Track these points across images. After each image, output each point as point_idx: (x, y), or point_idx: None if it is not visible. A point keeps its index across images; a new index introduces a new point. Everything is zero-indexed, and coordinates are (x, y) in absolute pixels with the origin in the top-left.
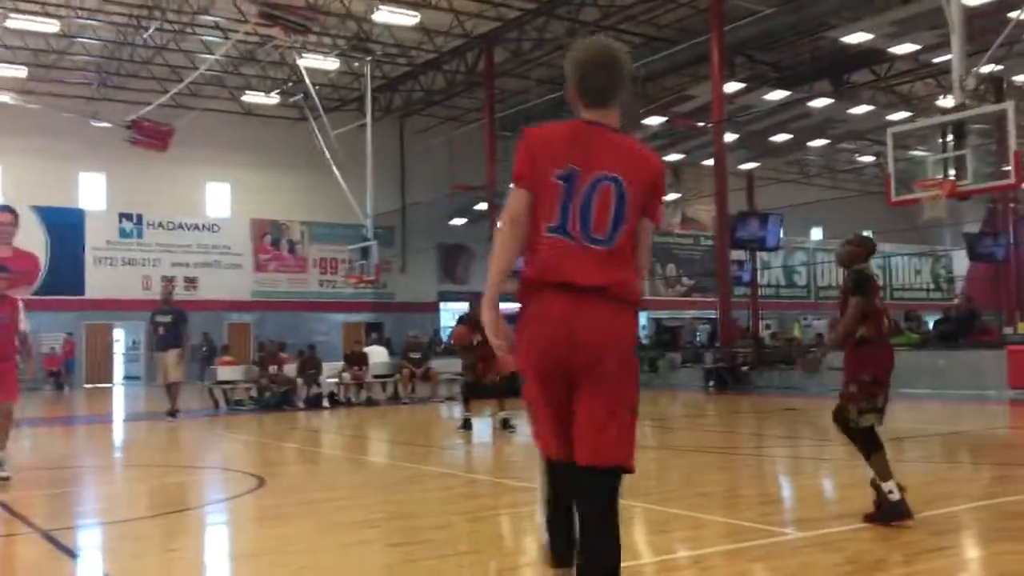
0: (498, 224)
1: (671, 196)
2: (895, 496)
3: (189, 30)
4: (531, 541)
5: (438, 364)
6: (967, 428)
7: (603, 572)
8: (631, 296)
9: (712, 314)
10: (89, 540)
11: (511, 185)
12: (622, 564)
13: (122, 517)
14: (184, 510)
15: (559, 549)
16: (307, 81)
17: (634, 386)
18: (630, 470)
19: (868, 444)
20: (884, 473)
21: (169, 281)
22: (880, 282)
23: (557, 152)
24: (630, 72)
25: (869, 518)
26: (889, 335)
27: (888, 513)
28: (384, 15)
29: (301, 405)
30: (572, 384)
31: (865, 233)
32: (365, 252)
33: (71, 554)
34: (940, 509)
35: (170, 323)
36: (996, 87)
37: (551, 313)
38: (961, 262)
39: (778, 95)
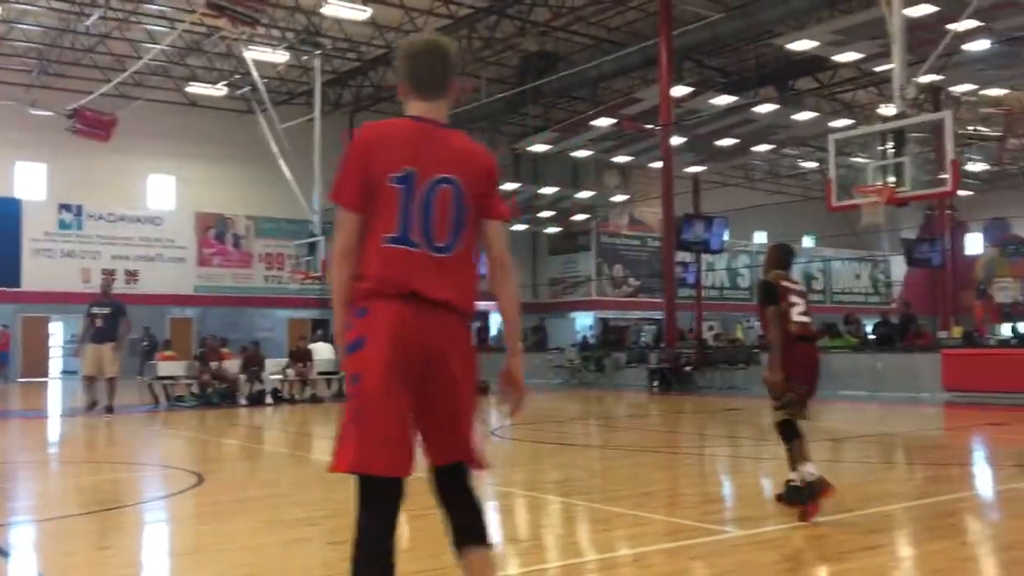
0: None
1: (619, 198)
2: (796, 483)
3: (134, 19)
4: None
5: None
6: (902, 429)
7: (485, 534)
8: (470, 310)
9: (658, 315)
10: (21, 538)
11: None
12: (566, 562)
13: (55, 514)
14: (119, 507)
15: None
16: (254, 74)
17: (475, 391)
18: (480, 467)
19: (784, 436)
20: (796, 460)
21: (109, 274)
22: (801, 286)
23: (394, 153)
24: (459, 65)
25: (779, 498)
26: (806, 336)
27: (790, 496)
28: (334, 9)
29: (244, 402)
30: (417, 392)
31: (809, 239)
32: (312, 248)
33: (2, 553)
34: (875, 508)
35: (108, 315)
36: (935, 97)
37: (400, 320)
38: (899, 267)
39: (724, 100)
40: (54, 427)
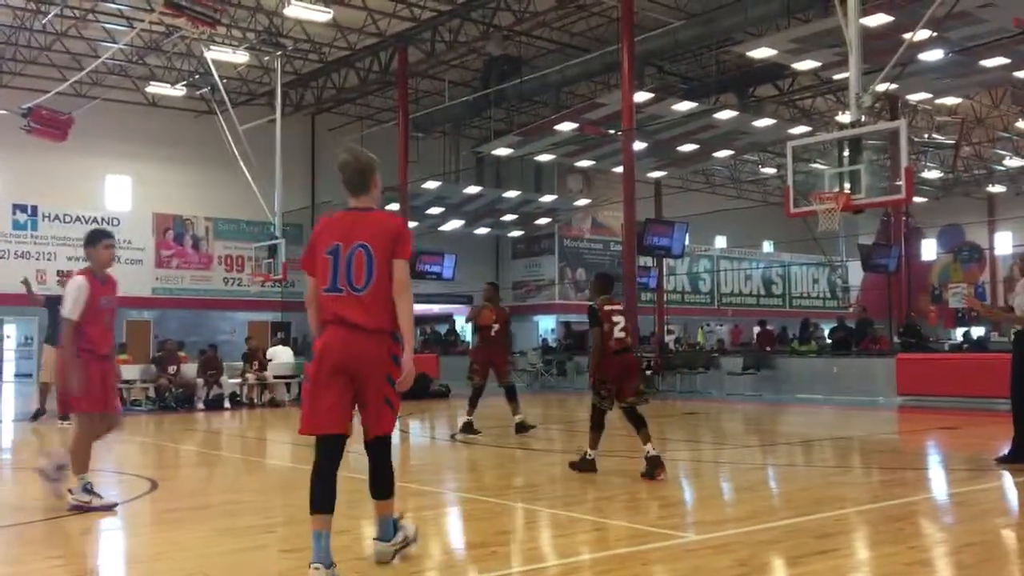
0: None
1: (582, 202)
2: (591, 456)
3: (91, 17)
4: (433, 545)
5: None
6: (857, 433)
7: (390, 483)
8: (383, 327)
9: None
10: None
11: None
12: (526, 567)
13: (3, 523)
14: (70, 515)
15: (322, 497)
16: (214, 74)
17: (388, 384)
18: (390, 437)
19: (592, 422)
20: (593, 443)
21: (66, 275)
22: (621, 306)
23: (326, 237)
24: (375, 170)
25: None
26: (623, 349)
27: (580, 465)
28: (296, 10)
29: (201, 406)
30: (354, 385)
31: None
32: (272, 250)
33: None
34: (829, 512)
35: None
36: (891, 105)
37: (335, 338)
38: (856, 272)
39: (685, 106)
40: (6, 432)
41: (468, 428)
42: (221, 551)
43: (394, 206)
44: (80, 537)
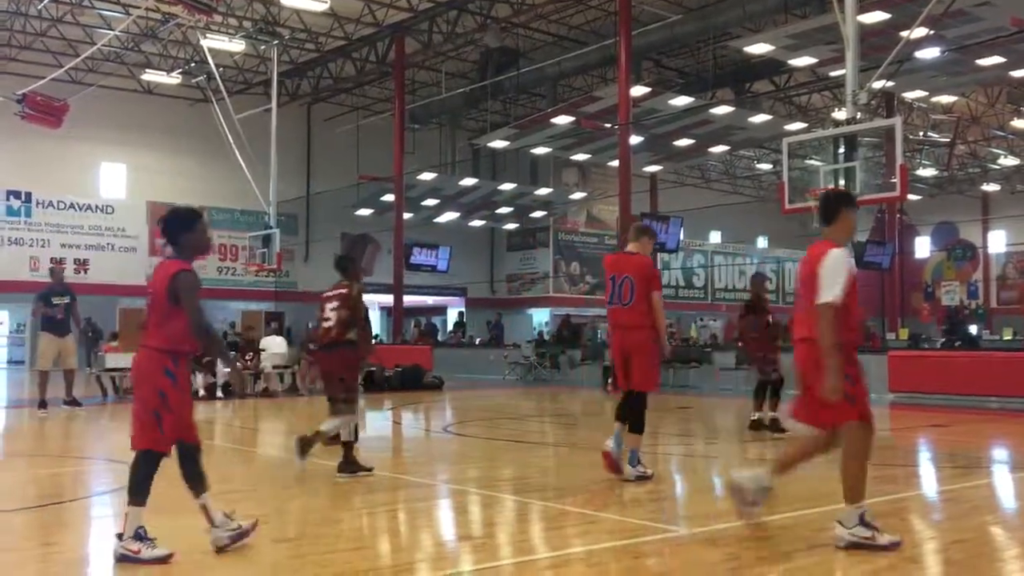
0: None
1: (577, 195)
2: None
3: (87, 3)
4: (425, 536)
5: None
6: None
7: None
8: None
9: None
10: None
11: None
12: (518, 559)
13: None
14: (65, 502)
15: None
16: (210, 62)
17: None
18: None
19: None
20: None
21: (59, 263)
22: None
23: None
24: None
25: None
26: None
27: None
28: None
29: (195, 395)
30: None
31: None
32: (267, 239)
33: None
34: (821, 507)
35: (66, 305)
36: (887, 102)
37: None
38: None
39: (682, 100)
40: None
41: (764, 425)
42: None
43: (389, 197)
44: (73, 524)
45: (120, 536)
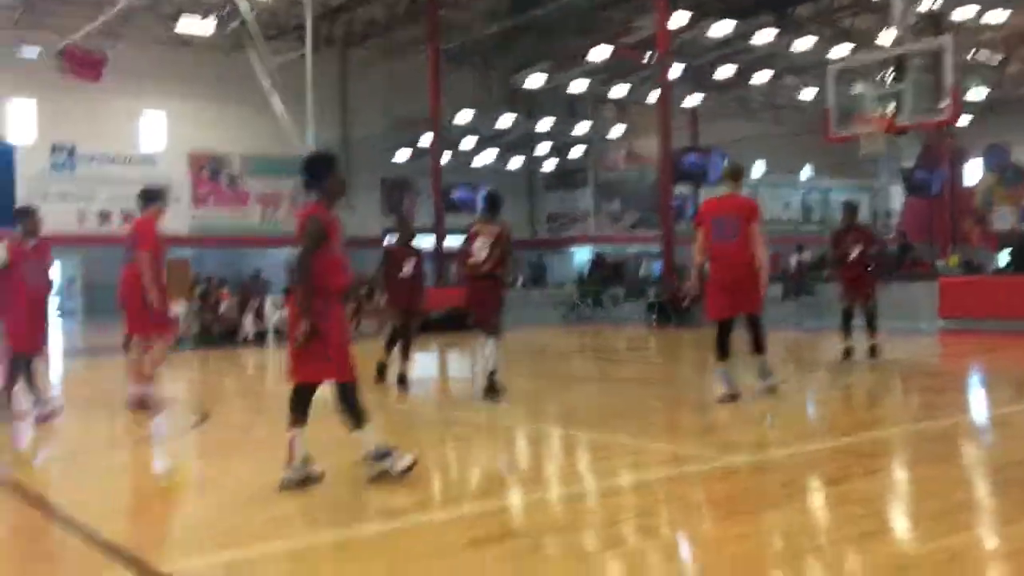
0: None
1: (617, 131)
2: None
3: None
4: (474, 469)
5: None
6: (899, 356)
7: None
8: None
9: (657, 248)
10: (36, 474)
11: None
12: (569, 489)
13: (67, 452)
14: (126, 446)
15: None
16: (244, 7)
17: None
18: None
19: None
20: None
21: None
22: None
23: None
24: None
25: None
26: None
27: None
28: None
29: (244, 341)
30: None
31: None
32: None
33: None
34: (872, 433)
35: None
36: (935, 23)
37: None
38: (898, 197)
39: (723, 27)
40: (56, 367)
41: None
42: (273, 480)
43: (426, 140)
44: (135, 467)
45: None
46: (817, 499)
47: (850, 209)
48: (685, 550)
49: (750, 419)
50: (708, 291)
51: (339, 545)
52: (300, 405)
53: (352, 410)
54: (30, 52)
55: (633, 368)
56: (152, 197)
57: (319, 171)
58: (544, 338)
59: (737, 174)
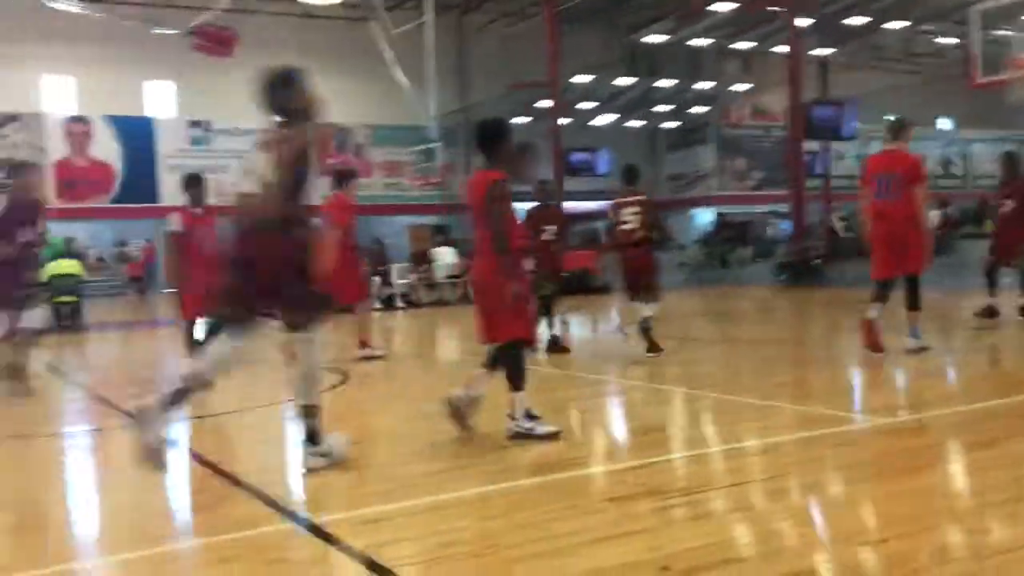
0: None
1: (741, 87)
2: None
3: None
4: (599, 430)
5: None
6: None
7: None
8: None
9: (783, 208)
10: (188, 430)
11: None
12: (695, 451)
13: (216, 411)
14: (271, 404)
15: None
16: None
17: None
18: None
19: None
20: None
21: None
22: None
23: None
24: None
25: None
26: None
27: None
28: None
29: (377, 305)
30: None
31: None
32: (428, 154)
33: (171, 444)
34: (1021, 396)
35: None
36: None
37: None
38: None
39: None
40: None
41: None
42: (414, 432)
43: (546, 103)
44: (278, 425)
45: (512, 416)
46: (969, 461)
47: (1009, 160)
48: (840, 507)
49: (883, 381)
50: (874, 249)
51: (482, 497)
52: (518, 367)
53: (520, 371)
54: (162, 31)
55: (761, 329)
56: (348, 176)
57: (492, 137)
58: (668, 300)
59: (901, 129)
